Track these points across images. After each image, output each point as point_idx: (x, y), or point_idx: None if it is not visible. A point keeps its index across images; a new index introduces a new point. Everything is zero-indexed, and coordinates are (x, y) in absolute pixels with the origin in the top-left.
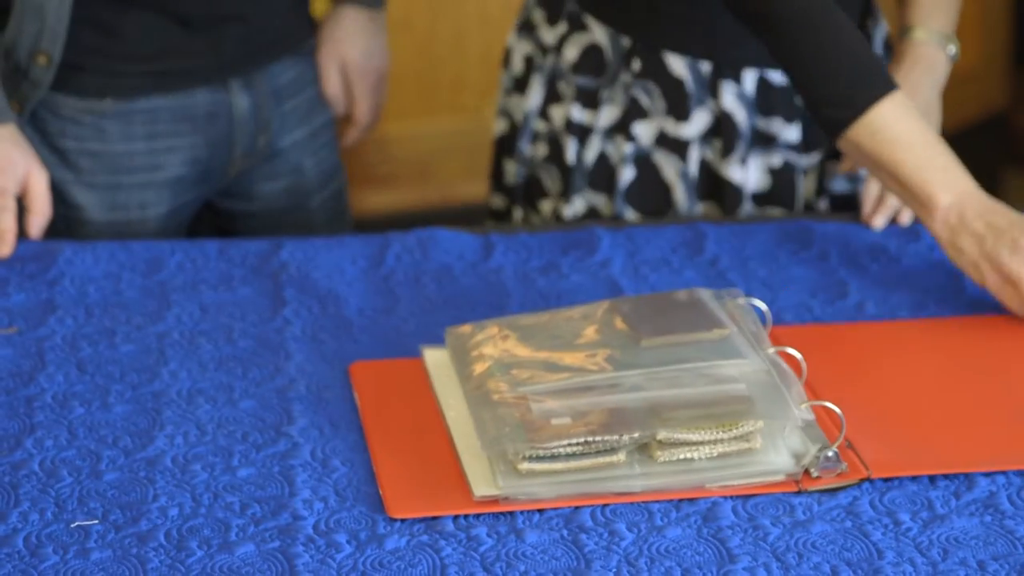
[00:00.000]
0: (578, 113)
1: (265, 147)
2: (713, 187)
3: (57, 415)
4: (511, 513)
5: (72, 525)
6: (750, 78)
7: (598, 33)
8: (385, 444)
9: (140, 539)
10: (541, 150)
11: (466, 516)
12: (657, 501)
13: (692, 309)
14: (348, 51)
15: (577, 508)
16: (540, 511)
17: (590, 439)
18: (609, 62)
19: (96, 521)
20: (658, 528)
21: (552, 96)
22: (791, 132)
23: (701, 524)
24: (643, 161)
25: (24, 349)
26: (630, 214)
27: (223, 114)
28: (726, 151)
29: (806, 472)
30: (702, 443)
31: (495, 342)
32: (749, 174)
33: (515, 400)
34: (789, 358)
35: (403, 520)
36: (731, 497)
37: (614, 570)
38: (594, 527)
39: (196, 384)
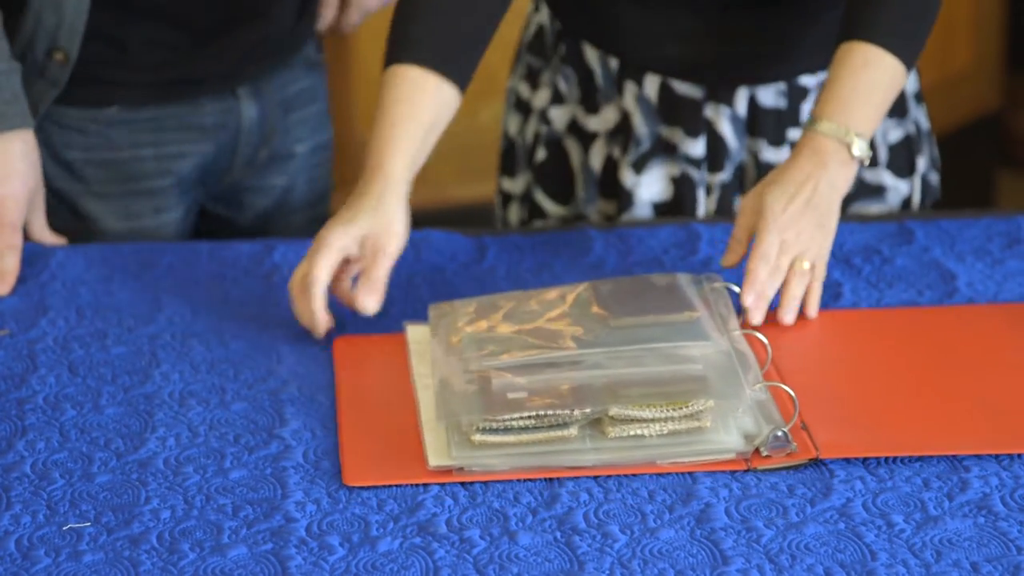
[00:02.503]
0: (525, 90)
1: (265, 158)
2: (615, 185)
3: (49, 417)
4: (504, 514)
5: (64, 528)
6: (652, 83)
7: (543, 14)
8: (354, 415)
9: (132, 541)
10: (505, 120)
11: (459, 518)
12: (650, 503)
13: (667, 293)
14: None
15: (571, 510)
16: (533, 514)
17: (542, 413)
18: (548, 44)
19: (88, 524)
20: (651, 530)
21: (519, 72)
22: (695, 147)
23: (694, 526)
24: (555, 145)
25: (15, 351)
26: (540, 196)
27: (231, 123)
28: (623, 152)
29: (756, 451)
30: (653, 420)
31: (471, 318)
32: (647, 181)
33: (478, 374)
34: (758, 342)
35: (396, 522)
36: (724, 498)
37: (607, 572)
38: (587, 529)
39: (188, 386)
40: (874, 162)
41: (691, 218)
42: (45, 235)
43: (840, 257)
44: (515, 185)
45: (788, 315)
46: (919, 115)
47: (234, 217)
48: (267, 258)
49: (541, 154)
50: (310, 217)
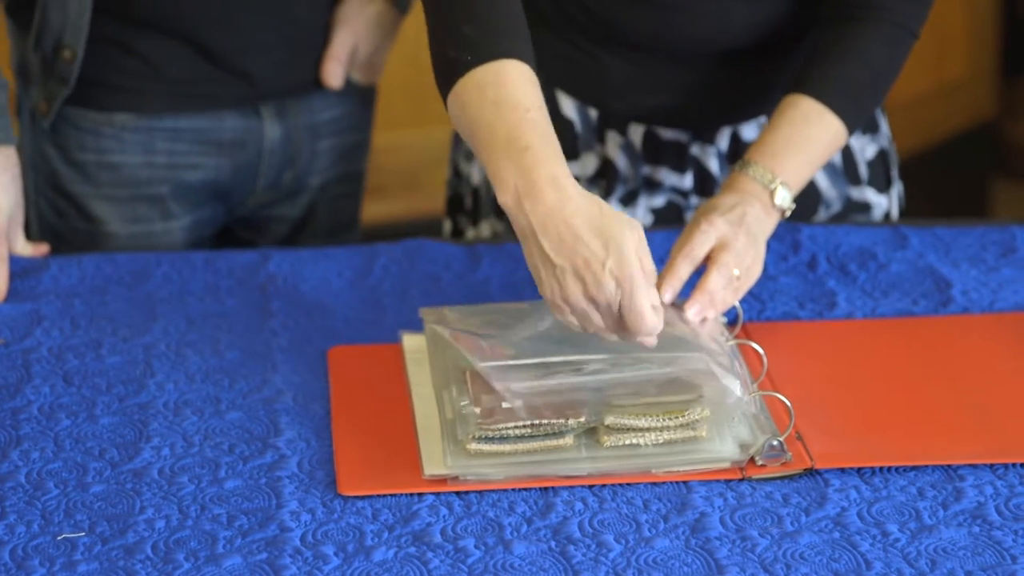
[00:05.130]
0: None
1: (291, 183)
2: None
3: (43, 427)
4: (499, 524)
5: (59, 538)
6: (636, 131)
7: None
8: (349, 425)
9: (127, 551)
10: (466, 167)
11: (454, 528)
12: (645, 512)
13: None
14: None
15: (565, 519)
16: (528, 523)
17: (538, 422)
18: None
19: (83, 534)
20: (646, 539)
21: None
22: (683, 180)
23: (689, 535)
24: None
25: (10, 361)
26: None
27: (252, 142)
28: (607, 193)
29: (751, 460)
30: (649, 429)
31: (466, 322)
32: (632, 211)
33: (475, 376)
34: (753, 352)
35: (391, 531)
36: (719, 508)
37: None
38: (582, 538)
39: (183, 396)
40: (857, 180)
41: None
42: (26, 249)
43: (835, 263)
44: (481, 231)
45: (693, 309)
46: (883, 124)
47: (258, 241)
48: (262, 268)
49: None
50: (332, 245)
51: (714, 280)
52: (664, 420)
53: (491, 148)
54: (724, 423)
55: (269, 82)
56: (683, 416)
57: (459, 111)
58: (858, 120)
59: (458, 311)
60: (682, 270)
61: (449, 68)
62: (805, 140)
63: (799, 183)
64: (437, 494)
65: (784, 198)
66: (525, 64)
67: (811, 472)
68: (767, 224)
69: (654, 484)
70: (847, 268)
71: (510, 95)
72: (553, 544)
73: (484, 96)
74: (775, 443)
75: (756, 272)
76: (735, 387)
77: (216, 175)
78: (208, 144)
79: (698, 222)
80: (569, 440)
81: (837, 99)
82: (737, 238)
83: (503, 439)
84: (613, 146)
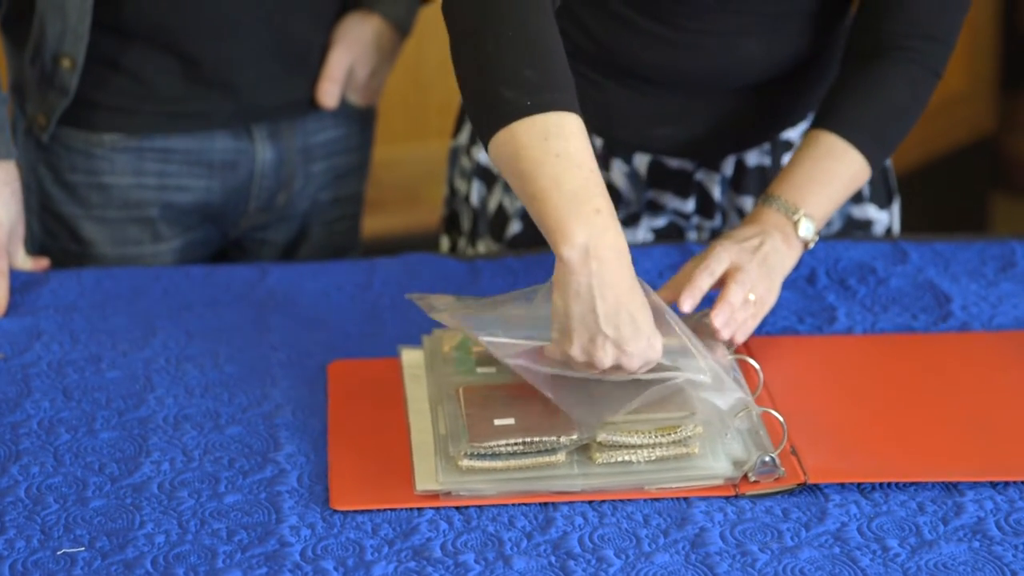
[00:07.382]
0: (485, 158)
1: (283, 206)
2: None
3: (43, 441)
4: (499, 539)
5: (58, 553)
6: (642, 160)
7: None
8: (344, 439)
9: (127, 566)
10: (464, 186)
11: (454, 543)
12: (645, 527)
13: (656, 317)
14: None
15: (565, 534)
16: (528, 538)
17: (530, 439)
18: None
19: (82, 548)
20: (646, 554)
21: (475, 136)
22: (685, 204)
23: (689, 550)
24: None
25: (10, 375)
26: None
27: (244, 164)
28: None
29: (744, 477)
30: (641, 446)
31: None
32: (634, 232)
33: (468, 393)
34: (750, 367)
35: (390, 546)
36: (719, 522)
37: None
38: (582, 553)
39: (182, 410)
40: (858, 198)
41: (685, 240)
42: (26, 263)
43: (835, 277)
44: (478, 252)
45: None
46: None
47: (247, 262)
48: (261, 282)
49: (516, 227)
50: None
51: (734, 292)
52: (656, 437)
53: (555, 200)
54: (717, 439)
55: (257, 97)
56: (675, 433)
57: (512, 152)
58: (880, 157)
59: (450, 300)
60: (702, 282)
61: (503, 107)
62: (827, 175)
63: (822, 216)
64: (437, 509)
65: (808, 229)
66: (580, 119)
67: (811, 487)
68: (787, 257)
69: (654, 499)
70: (847, 283)
71: (575, 152)
72: (553, 559)
73: (548, 147)
74: (768, 459)
75: (770, 302)
76: (734, 393)
77: (206, 197)
78: (199, 165)
79: (713, 246)
80: (561, 457)
81: (860, 135)
82: (750, 263)
83: (495, 456)
84: (618, 173)
